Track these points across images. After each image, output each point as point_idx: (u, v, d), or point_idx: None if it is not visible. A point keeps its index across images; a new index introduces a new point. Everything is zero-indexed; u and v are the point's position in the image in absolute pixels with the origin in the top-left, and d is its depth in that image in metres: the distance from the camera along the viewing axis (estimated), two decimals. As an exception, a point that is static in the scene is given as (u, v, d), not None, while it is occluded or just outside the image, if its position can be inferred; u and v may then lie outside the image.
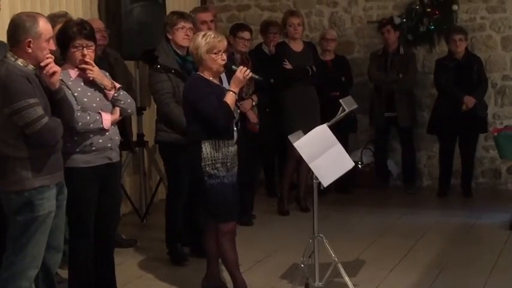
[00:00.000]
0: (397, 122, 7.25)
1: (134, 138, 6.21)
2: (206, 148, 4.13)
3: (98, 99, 3.95)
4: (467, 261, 5.09)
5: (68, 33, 3.85)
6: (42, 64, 3.44)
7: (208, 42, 4.14)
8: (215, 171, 4.13)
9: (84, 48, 3.86)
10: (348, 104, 4.38)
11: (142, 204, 6.56)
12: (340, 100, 4.38)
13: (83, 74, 3.92)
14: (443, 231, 5.90)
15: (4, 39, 4.27)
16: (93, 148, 3.90)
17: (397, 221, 6.28)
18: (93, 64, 3.92)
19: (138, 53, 5.80)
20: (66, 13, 4.78)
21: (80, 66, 3.89)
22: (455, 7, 7.44)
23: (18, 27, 3.39)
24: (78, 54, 3.87)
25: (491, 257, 5.11)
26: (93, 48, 3.93)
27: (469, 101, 6.84)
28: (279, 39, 6.70)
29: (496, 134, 6.22)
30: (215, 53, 4.15)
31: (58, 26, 4.08)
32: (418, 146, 7.65)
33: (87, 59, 3.87)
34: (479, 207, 6.72)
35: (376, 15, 7.76)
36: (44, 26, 3.41)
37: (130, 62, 6.35)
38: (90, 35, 3.91)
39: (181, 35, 5.02)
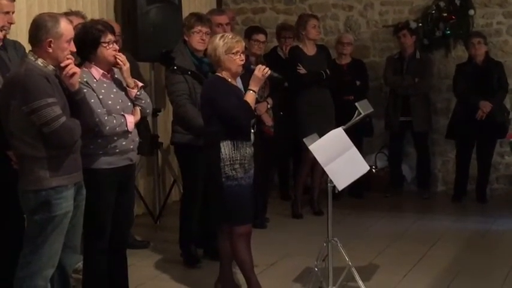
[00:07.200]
0: (412, 127, 7.22)
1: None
2: (225, 148, 4.11)
3: (120, 100, 3.95)
4: (481, 267, 5.07)
5: (94, 32, 3.83)
6: (62, 65, 3.44)
7: (226, 43, 4.14)
8: (233, 172, 4.11)
9: (114, 43, 3.89)
10: (363, 108, 4.36)
11: (156, 205, 6.57)
12: (356, 103, 4.37)
13: (106, 74, 3.92)
14: (458, 237, 5.87)
15: (21, 39, 4.35)
16: (117, 150, 3.90)
17: (411, 226, 6.26)
18: (126, 60, 3.92)
19: (153, 54, 5.82)
20: (79, 12, 4.79)
21: (116, 56, 3.86)
22: (471, 12, 7.41)
23: (40, 27, 3.39)
24: (111, 50, 3.86)
25: (506, 263, 5.08)
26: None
27: (485, 106, 6.80)
28: (293, 44, 6.72)
29: (511, 139, 6.18)
30: (233, 54, 4.14)
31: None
32: (433, 150, 7.62)
33: (118, 53, 3.89)
34: (494, 213, 6.68)
35: (392, 19, 7.74)
36: (65, 27, 3.41)
37: (146, 64, 6.37)
38: (113, 30, 3.95)
39: (196, 38, 5.02)
